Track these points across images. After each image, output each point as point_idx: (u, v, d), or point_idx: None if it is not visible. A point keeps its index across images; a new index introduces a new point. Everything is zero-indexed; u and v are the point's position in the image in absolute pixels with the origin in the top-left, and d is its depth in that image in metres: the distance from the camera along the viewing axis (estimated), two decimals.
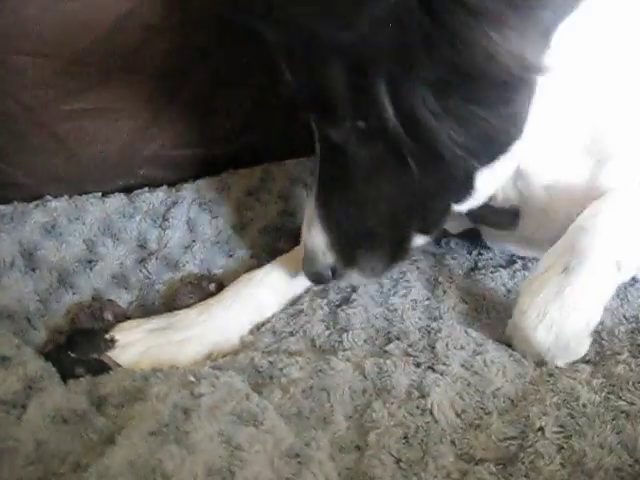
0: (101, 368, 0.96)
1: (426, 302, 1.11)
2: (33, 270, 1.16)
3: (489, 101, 0.83)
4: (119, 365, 0.98)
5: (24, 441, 0.76)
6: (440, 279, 1.16)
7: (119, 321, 1.10)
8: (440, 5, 0.73)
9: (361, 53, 0.77)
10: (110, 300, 1.14)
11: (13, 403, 0.81)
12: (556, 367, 0.96)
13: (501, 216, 1.11)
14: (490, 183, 0.95)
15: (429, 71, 0.77)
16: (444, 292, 1.12)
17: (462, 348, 0.98)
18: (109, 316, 1.10)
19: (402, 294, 1.12)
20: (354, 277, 1.04)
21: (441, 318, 1.06)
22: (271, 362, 0.95)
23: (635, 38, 0.92)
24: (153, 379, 0.88)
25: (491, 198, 1.04)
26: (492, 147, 0.89)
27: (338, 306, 1.10)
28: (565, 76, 0.89)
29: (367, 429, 0.86)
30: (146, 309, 1.16)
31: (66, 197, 1.27)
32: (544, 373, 0.95)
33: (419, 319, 1.06)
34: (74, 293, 1.16)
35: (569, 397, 0.89)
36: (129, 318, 1.13)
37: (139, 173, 1.32)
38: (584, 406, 0.88)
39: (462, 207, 0.98)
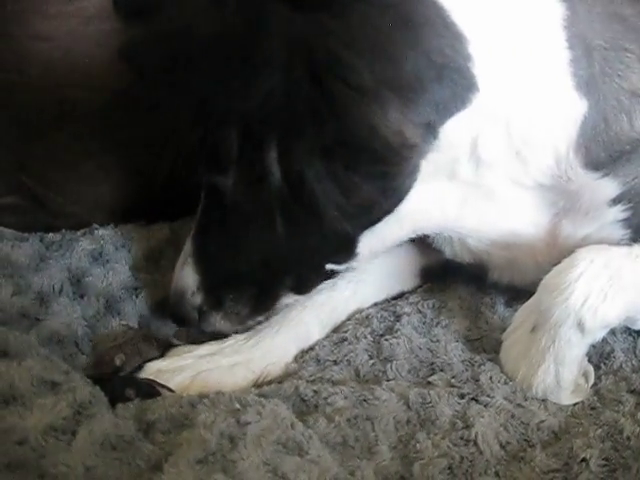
0: (151, 392, 0.97)
1: (467, 332, 1.11)
2: (81, 296, 1.19)
3: (369, 173, 0.88)
4: (169, 389, 1.00)
5: (74, 467, 0.77)
6: (482, 309, 1.15)
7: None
8: (328, 81, 0.81)
9: (253, 120, 0.83)
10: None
11: (63, 429, 0.82)
12: (599, 400, 0.96)
13: (468, 269, 1.13)
14: (374, 246, 1.00)
15: (316, 139, 0.82)
16: (486, 322, 1.12)
17: (505, 383, 0.98)
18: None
19: (444, 324, 1.12)
20: (218, 322, 1.07)
21: (484, 351, 1.06)
22: (316, 391, 0.96)
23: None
24: (200, 406, 0.88)
25: (446, 253, 1.10)
26: (368, 215, 0.93)
27: (382, 335, 1.09)
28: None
29: (411, 459, 0.86)
30: (191, 335, 1.17)
31: (112, 225, 1.29)
32: (586, 406, 0.95)
33: (462, 351, 1.06)
34: (121, 319, 1.18)
35: (613, 430, 0.89)
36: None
37: (182, 202, 1.33)
38: (628, 439, 0.87)
39: (341, 267, 1.02)
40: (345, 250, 0.99)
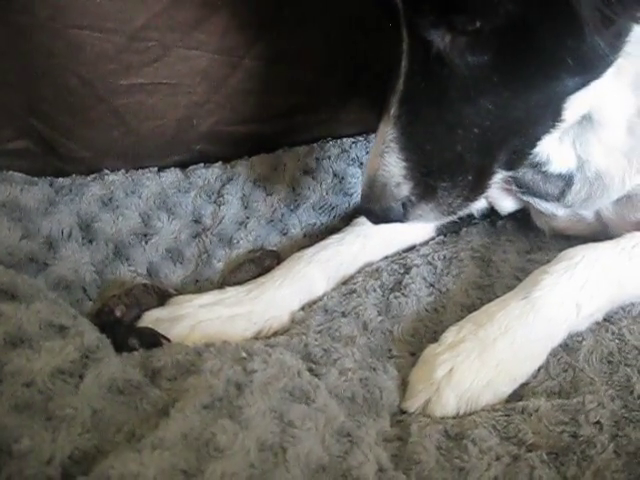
0: (154, 341, 0.97)
1: (479, 280, 1.11)
2: (90, 242, 1.19)
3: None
4: (166, 338, 0.99)
5: (81, 410, 0.77)
6: (494, 258, 1.15)
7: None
8: None
9: None
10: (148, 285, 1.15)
11: (70, 372, 0.81)
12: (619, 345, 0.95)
13: (551, 184, 1.10)
14: (572, 112, 0.93)
15: None
16: (498, 271, 1.12)
17: None
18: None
19: (455, 274, 1.12)
20: (427, 213, 0.94)
21: (496, 296, 1.03)
22: (325, 350, 0.96)
23: None
24: (206, 354, 0.89)
25: (545, 164, 1.06)
26: (598, 63, 0.89)
27: (391, 290, 1.10)
28: None
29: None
30: (201, 284, 1.18)
31: (123, 171, 1.28)
32: (604, 356, 0.94)
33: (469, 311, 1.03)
34: (129, 265, 1.18)
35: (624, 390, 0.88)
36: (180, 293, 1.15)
37: (195, 148, 1.32)
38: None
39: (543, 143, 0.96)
40: (554, 115, 0.92)
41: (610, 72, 0.91)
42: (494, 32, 0.82)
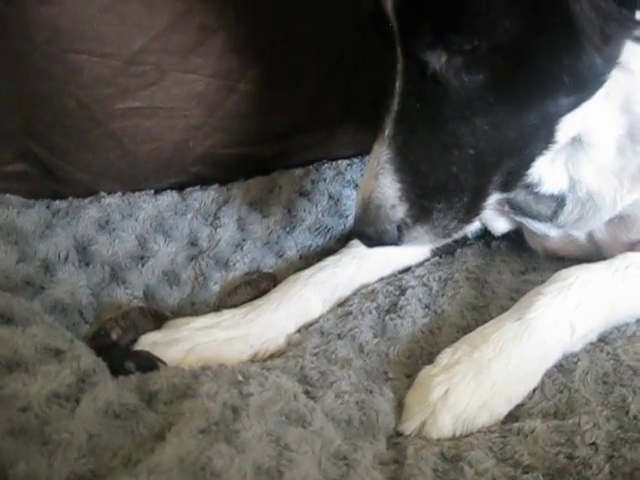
0: (150, 365, 0.97)
1: (474, 301, 1.11)
2: (87, 265, 1.19)
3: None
4: (162, 361, 0.99)
5: (77, 434, 0.77)
6: (489, 279, 1.16)
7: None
8: None
9: None
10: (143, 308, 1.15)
11: (67, 396, 0.81)
12: (614, 365, 0.95)
13: (543, 205, 1.11)
14: (563, 134, 0.94)
15: None
16: (493, 292, 1.13)
17: None
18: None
19: (450, 295, 1.12)
20: (422, 236, 0.93)
21: (490, 317, 1.03)
22: (321, 373, 0.96)
23: None
24: (202, 377, 0.88)
25: (537, 185, 1.07)
26: (592, 81, 0.90)
27: (387, 312, 1.10)
28: None
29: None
30: (197, 307, 1.18)
31: (119, 194, 1.28)
32: (599, 377, 0.94)
33: (464, 333, 1.03)
34: (126, 288, 1.18)
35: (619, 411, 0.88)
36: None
37: (191, 171, 1.33)
38: (635, 418, 0.86)
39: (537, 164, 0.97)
40: (547, 137, 0.93)
41: (600, 94, 0.93)
42: (491, 51, 0.84)
